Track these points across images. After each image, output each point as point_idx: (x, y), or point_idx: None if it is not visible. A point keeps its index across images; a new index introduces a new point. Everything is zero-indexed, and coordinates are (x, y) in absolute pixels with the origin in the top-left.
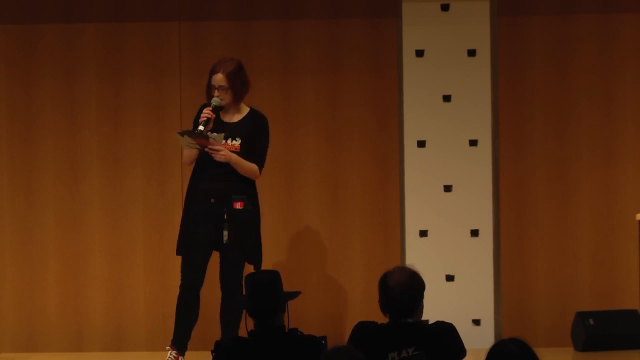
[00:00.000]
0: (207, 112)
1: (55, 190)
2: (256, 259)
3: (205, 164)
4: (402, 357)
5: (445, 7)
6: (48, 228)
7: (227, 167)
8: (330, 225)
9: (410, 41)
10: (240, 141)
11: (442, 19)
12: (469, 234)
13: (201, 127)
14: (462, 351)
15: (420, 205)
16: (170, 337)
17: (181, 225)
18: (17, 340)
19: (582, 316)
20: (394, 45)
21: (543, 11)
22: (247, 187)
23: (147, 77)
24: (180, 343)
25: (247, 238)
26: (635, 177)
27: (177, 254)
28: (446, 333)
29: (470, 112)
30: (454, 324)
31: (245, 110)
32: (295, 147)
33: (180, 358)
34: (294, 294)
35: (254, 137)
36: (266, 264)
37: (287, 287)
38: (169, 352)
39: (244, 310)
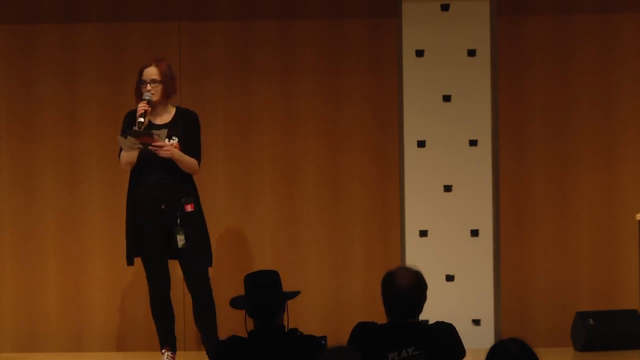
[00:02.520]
0: (143, 105)
1: (55, 190)
2: (209, 258)
3: (143, 168)
4: (401, 357)
5: (445, 7)
6: (48, 227)
7: (167, 171)
8: (330, 225)
9: (410, 41)
10: (177, 139)
11: (442, 19)
12: (469, 234)
13: (141, 119)
14: (462, 351)
15: (420, 205)
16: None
17: (128, 234)
18: (16, 340)
19: (582, 316)
20: (393, 45)
21: (543, 11)
22: (191, 188)
23: None
24: (171, 344)
25: (203, 239)
26: (635, 177)
27: (129, 263)
28: (446, 333)
29: (470, 112)
30: (454, 324)
31: (173, 109)
32: (295, 147)
33: (175, 357)
34: (294, 294)
35: (189, 133)
36: (266, 264)
37: (286, 287)
38: (165, 354)
39: (244, 310)
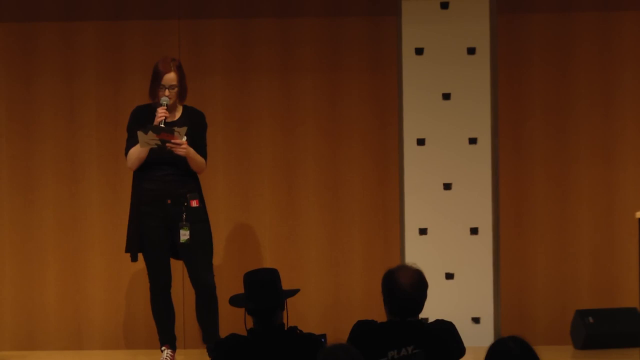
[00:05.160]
0: (162, 111)
1: (55, 189)
2: (212, 254)
3: (149, 163)
4: (401, 355)
5: (444, 5)
6: (47, 226)
7: (173, 166)
8: (329, 224)
9: (409, 39)
10: (185, 137)
11: (441, 17)
12: (469, 232)
13: (162, 126)
14: (462, 349)
15: (419, 203)
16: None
17: (132, 228)
18: (16, 339)
19: (581, 314)
20: (393, 43)
21: (542, 9)
22: (196, 185)
23: (146, 75)
24: (171, 342)
25: (208, 235)
26: (634, 175)
27: (133, 259)
28: (446, 331)
29: (470, 110)
30: (454, 322)
31: (180, 108)
32: (295, 145)
33: (174, 355)
34: (293, 292)
35: (197, 131)
36: (266, 262)
37: (286, 285)
38: (165, 352)
39: (243, 309)
